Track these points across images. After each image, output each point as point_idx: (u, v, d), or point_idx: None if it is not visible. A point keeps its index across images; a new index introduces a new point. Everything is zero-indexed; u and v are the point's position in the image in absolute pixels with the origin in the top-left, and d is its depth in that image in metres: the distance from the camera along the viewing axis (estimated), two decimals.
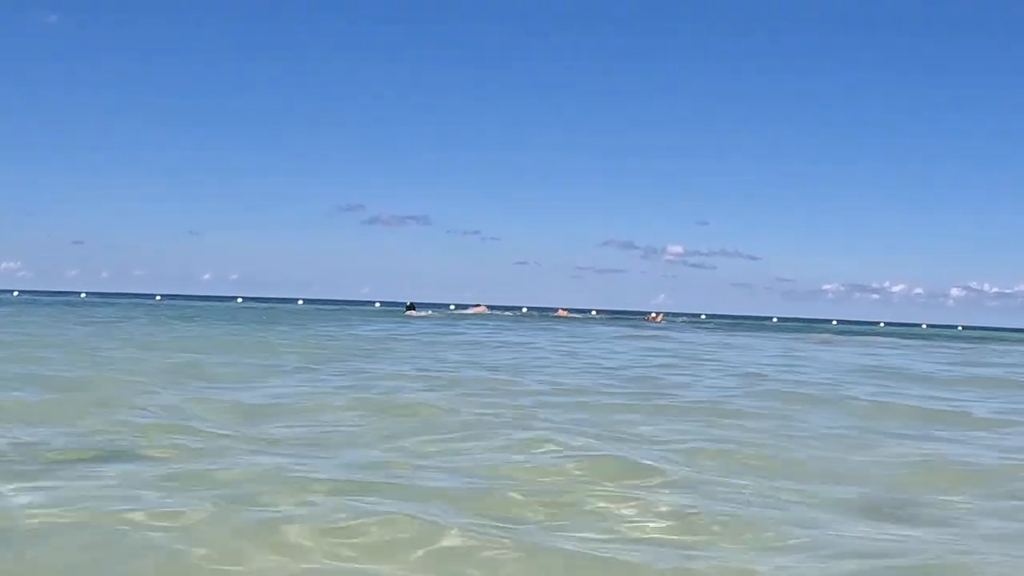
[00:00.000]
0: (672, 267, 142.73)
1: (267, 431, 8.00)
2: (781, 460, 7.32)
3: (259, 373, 13.37)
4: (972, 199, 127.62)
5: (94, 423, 7.94)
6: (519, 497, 5.51)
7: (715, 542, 4.76)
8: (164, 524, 4.63)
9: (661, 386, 13.39)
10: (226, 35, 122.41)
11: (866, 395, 13.05)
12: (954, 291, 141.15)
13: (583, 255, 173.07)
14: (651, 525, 5.03)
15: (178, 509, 4.87)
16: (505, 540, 4.55)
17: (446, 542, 4.48)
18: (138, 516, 4.75)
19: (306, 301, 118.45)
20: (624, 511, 5.27)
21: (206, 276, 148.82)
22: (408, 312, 59.28)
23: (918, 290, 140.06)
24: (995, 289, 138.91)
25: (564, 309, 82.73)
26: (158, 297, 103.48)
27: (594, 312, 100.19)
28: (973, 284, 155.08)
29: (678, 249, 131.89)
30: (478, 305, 79.55)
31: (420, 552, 4.37)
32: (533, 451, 7.21)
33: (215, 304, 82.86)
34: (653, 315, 76.57)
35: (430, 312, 63.80)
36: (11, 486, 5.37)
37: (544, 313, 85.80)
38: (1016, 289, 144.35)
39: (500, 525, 4.88)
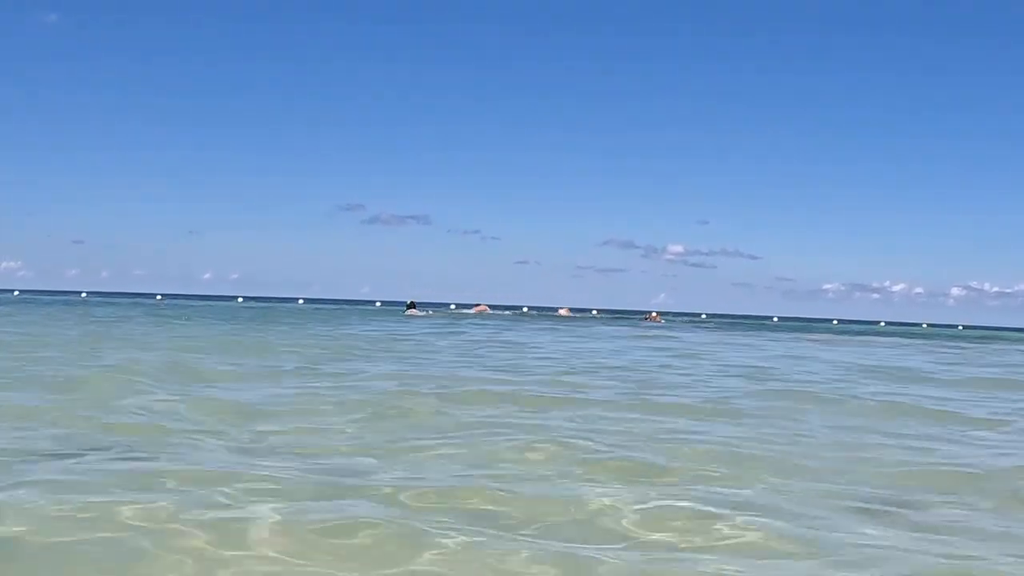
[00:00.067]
0: (672, 266, 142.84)
1: (261, 432, 7.96)
2: (783, 460, 7.28)
3: (257, 373, 13.35)
4: (972, 199, 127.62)
5: (90, 422, 7.92)
6: (519, 498, 5.47)
7: (718, 544, 4.73)
8: (145, 525, 4.57)
9: (663, 385, 13.38)
10: (226, 35, 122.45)
11: (867, 395, 13.03)
12: (954, 290, 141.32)
13: (583, 255, 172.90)
14: (653, 526, 5.00)
15: (160, 507, 4.83)
16: (505, 543, 4.52)
17: (446, 542, 4.45)
18: (124, 512, 4.73)
19: (306, 301, 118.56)
20: (626, 512, 5.24)
21: (206, 276, 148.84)
22: (408, 311, 59.21)
23: (918, 289, 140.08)
24: (995, 288, 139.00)
25: (566, 308, 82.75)
26: (159, 297, 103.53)
27: (594, 312, 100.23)
28: (973, 283, 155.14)
29: (678, 249, 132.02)
30: (479, 305, 79.55)
31: (408, 555, 4.33)
32: (533, 451, 7.18)
33: (215, 304, 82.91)
34: (652, 315, 76.63)
35: (430, 312, 63.77)
36: None
37: (544, 312, 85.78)
38: (1016, 288, 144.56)
39: (500, 525, 4.86)
